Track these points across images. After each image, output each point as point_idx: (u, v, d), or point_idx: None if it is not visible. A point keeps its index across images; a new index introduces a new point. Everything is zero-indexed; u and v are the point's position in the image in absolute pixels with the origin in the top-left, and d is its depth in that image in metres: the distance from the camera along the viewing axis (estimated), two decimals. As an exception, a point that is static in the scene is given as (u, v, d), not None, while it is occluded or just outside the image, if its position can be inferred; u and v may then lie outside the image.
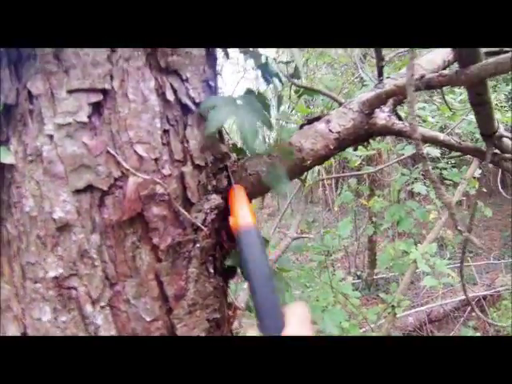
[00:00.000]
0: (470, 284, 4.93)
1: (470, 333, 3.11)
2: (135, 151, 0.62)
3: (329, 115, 1.03)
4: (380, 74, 1.19)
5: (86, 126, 0.61)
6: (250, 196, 0.88)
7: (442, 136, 1.17)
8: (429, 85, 0.90)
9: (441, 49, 1.29)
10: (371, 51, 3.77)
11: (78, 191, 0.61)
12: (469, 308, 4.62)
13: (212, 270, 0.75)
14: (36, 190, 0.62)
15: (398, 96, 1.10)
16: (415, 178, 3.13)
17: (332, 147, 0.96)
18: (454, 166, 2.85)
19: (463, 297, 4.77)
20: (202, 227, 0.70)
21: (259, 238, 0.68)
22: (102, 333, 0.63)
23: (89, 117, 0.61)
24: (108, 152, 0.61)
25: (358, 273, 5.07)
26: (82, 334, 0.63)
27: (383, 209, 3.20)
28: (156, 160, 0.65)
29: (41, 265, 0.62)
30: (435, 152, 2.33)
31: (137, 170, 0.62)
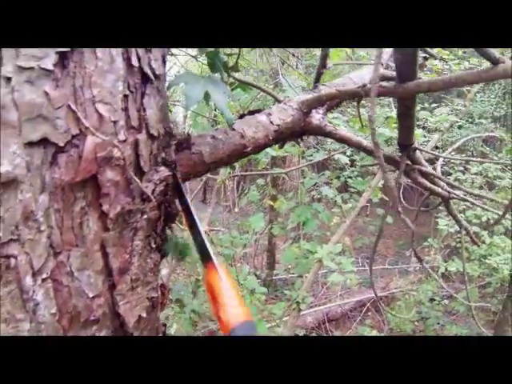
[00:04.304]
0: (366, 287, 5.33)
1: (367, 330, 3.37)
2: (97, 110, 0.59)
3: (269, 109, 1.07)
4: (317, 80, 1.26)
5: (50, 74, 0.56)
6: (192, 175, 0.88)
7: (365, 142, 1.27)
8: (369, 94, 0.98)
9: (370, 66, 1.40)
10: (290, 60, 3.90)
11: (30, 144, 0.55)
12: (364, 308, 5.01)
13: (154, 245, 0.73)
14: None
15: (335, 101, 1.19)
16: (318, 185, 3.32)
17: (271, 138, 1.02)
18: (358, 175, 3.07)
19: (360, 298, 5.17)
20: (152, 197, 0.69)
21: (254, 329, 0.72)
22: (42, 311, 0.58)
23: (54, 65, 0.56)
24: (69, 106, 0.57)
25: (257, 273, 5.21)
26: (18, 312, 0.56)
27: (288, 210, 3.33)
28: (115, 123, 0.62)
29: (-25, 226, 0.54)
30: (344, 159, 2.49)
31: (96, 129, 0.59)
